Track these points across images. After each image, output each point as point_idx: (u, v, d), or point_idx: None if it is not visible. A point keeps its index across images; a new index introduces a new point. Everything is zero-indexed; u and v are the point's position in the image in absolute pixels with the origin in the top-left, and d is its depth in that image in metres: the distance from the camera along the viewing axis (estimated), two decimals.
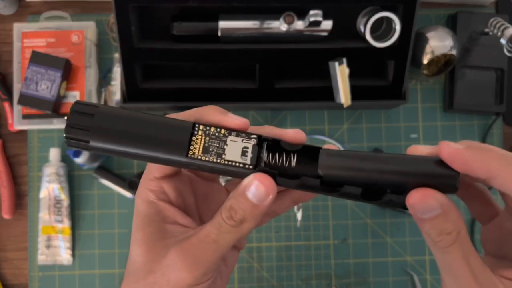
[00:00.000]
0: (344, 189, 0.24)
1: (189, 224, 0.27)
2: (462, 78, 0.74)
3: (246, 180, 0.24)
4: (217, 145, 0.25)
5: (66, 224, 0.71)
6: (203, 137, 0.25)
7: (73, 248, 0.72)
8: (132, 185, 0.71)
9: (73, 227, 0.72)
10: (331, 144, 0.26)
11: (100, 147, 0.24)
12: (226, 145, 0.25)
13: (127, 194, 0.72)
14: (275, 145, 0.26)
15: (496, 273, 0.24)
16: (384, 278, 0.73)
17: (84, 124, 0.24)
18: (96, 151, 0.25)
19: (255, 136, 0.25)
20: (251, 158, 0.25)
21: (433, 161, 0.24)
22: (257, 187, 0.24)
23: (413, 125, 0.75)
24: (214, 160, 0.25)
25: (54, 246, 0.71)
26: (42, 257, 0.71)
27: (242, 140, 0.25)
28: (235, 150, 0.25)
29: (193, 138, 0.25)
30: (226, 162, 0.25)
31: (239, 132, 0.25)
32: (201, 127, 0.25)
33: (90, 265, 0.72)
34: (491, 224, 0.29)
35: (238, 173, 0.25)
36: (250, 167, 0.25)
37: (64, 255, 0.71)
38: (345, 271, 0.73)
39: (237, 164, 0.25)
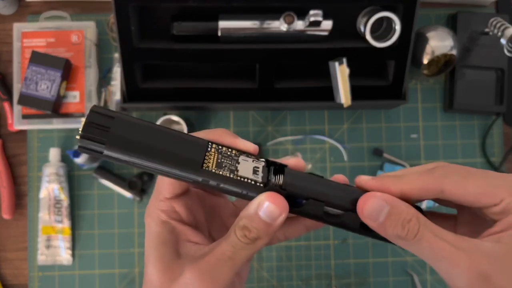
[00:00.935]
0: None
1: (201, 241, 0.28)
2: (462, 78, 0.74)
3: (258, 199, 0.25)
4: (230, 162, 0.26)
5: (66, 224, 0.71)
6: (216, 154, 0.26)
7: (73, 248, 0.72)
8: (132, 185, 0.71)
9: (73, 227, 0.72)
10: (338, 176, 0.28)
11: (114, 157, 0.24)
12: (238, 163, 0.26)
13: (127, 194, 0.72)
14: (281, 170, 0.27)
15: (483, 236, 0.24)
16: (384, 279, 0.73)
17: (100, 137, 0.24)
18: (109, 160, 0.25)
19: (263, 159, 0.27)
20: (262, 177, 0.26)
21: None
22: (269, 207, 0.25)
23: (413, 125, 0.75)
24: (228, 174, 0.25)
25: (54, 246, 0.71)
26: (42, 257, 0.71)
27: (253, 160, 0.26)
28: (247, 168, 0.26)
29: (207, 154, 0.25)
30: (239, 178, 0.25)
31: (249, 154, 0.27)
32: (214, 145, 0.26)
33: (90, 265, 0.72)
34: (463, 212, 0.29)
35: (249, 189, 0.26)
36: (261, 185, 0.26)
37: (64, 255, 0.71)
38: (345, 271, 0.73)
39: (249, 180, 0.25)
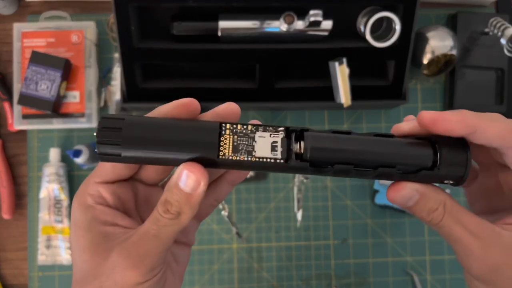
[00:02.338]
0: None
1: (130, 225, 0.27)
2: (462, 78, 0.74)
3: (177, 171, 0.24)
4: (246, 142, 0.25)
5: (66, 224, 0.71)
6: (231, 137, 0.25)
7: None
8: None
9: None
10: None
11: (133, 157, 0.25)
12: (255, 142, 0.25)
13: None
14: (302, 136, 0.25)
15: (498, 224, 0.25)
16: (384, 279, 0.73)
17: (114, 138, 0.24)
18: (130, 162, 0.25)
19: (282, 128, 0.25)
20: (282, 152, 0.25)
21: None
22: (187, 176, 0.24)
23: None
24: (245, 158, 0.24)
25: (54, 246, 0.71)
26: (42, 257, 0.71)
27: (270, 134, 0.25)
28: (264, 146, 0.25)
29: (222, 138, 0.25)
30: (256, 159, 0.25)
31: (266, 126, 0.25)
32: (227, 125, 0.25)
33: None
34: (474, 185, 0.30)
35: (270, 168, 0.25)
36: (282, 161, 0.25)
37: (64, 255, 0.71)
38: (345, 271, 0.73)
39: (268, 159, 0.25)
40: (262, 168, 0.25)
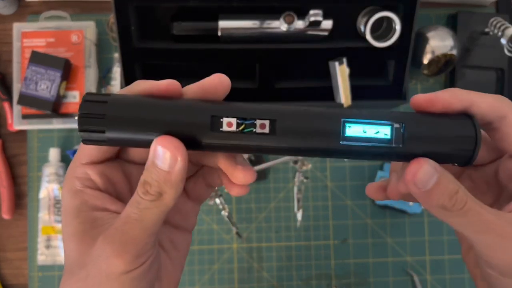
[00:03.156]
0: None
1: (120, 210, 0.25)
2: (462, 78, 0.74)
3: (152, 148, 0.23)
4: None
5: None
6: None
7: None
8: None
9: None
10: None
11: (118, 137, 0.23)
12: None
13: None
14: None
15: (506, 211, 0.24)
16: (384, 279, 0.73)
17: (98, 112, 0.23)
18: (114, 144, 0.24)
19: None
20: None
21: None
22: (163, 152, 0.22)
23: None
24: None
25: (54, 246, 0.71)
26: (42, 257, 0.71)
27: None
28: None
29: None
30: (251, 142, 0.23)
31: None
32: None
33: None
34: (474, 176, 0.29)
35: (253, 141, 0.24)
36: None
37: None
38: (345, 271, 0.73)
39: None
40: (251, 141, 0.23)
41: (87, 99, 0.23)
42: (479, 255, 0.25)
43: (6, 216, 0.72)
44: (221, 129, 0.23)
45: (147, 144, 0.23)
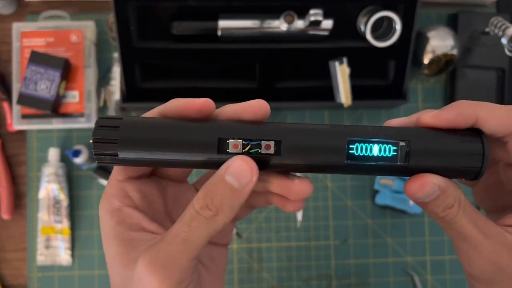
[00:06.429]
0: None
1: (156, 230, 0.25)
2: (463, 78, 0.74)
3: (226, 163, 0.22)
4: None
5: (65, 224, 0.70)
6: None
7: (72, 248, 0.72)
8: None
9: (73, 228, 0.72)
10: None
11: (131, 158, 0.24)
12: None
13: None
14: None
15: (500, 225, 0.25)
16: (384, 279, 0.73)
17: (111, 137, 0.23)
18: (128, 164, 0.24)
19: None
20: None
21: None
22: (240, 169, 0.22)
23: None
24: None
25: (53, 247, 0.70)
26: (41, 258, 0.70)
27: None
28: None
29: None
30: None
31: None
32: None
33: (89, 266, 0.72)
34: (479, 184, 0.30)
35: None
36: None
37: (63, 256, 0.71)
38: (346, 271, 0.73)
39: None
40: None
41: (100, 125, 0.24)
42: (462, 259, 0.26)
43: (5, 216, 0.71)
44: (227, 150, 0.24)
45: (160, 164, 0.24)
